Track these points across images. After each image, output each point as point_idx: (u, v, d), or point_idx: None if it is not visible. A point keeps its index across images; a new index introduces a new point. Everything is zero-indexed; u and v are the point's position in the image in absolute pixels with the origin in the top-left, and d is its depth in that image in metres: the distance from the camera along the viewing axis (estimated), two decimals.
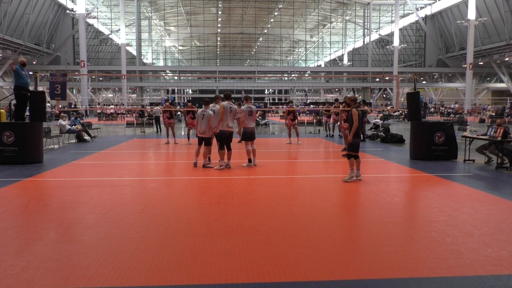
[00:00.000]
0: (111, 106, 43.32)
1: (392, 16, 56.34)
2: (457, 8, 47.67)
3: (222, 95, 9.02)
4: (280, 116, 36.79)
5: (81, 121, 16.70)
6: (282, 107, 32.58)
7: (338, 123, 13.78)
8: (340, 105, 13.43)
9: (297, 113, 14.65)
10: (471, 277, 3.37)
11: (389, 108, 38.19)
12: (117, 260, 3.68)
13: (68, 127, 14.53)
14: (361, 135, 15.24)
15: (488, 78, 57.13)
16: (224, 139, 8.68)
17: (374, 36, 58.90)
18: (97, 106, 44.98)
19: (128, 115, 36.49)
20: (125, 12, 51.59)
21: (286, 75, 61.77)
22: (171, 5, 59.25)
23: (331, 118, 18.87)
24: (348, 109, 11.20)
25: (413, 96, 10.65)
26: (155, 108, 21.92)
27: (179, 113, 33.52)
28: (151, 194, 6.45)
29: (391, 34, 54.17)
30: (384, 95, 63.25)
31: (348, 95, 55.78)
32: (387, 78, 48.52)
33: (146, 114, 25.87)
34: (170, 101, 16.99)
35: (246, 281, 3.30)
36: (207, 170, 8.62)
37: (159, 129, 19.35)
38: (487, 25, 42.92)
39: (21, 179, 7.53)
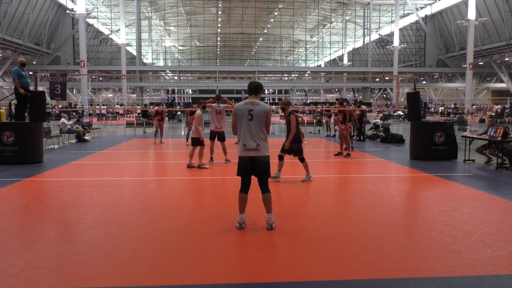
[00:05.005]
0: (120, 106, 43.18)
1: (392, 16, 56.35)
2: (457, 8, 47.66)
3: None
4: (280, 116, 36.87)
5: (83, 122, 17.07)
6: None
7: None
8: (349, 106, 13.51)
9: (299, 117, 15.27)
10: (471, 277, 3.37)
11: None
12: (117, 260, 3.68)
13: (69, 126, 14.67)
14: (361, 135, 15.35)
15: (488, 78, 57.11)
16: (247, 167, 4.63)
17: (374, 36, 58.91)
18: (116, 106, 44.51)
19: (128, 115, 36.53)
20: (125, 12, 51.59)
21: (286, 75, 61.77)
22: (171, 5, 59.25)
23: (332, 118, 18.89)
24: (343, 108, 11.24)
25: (413, 96, 10.66)
26: (156, 108, 21.94)
27: (179, 113, 33.56)
28: (151, 194, 6.45)
29: (391, 34, 54.18)
30: (384, 95, 63.25)
31: (351, 95, 55.68)
32: (387, 78, 48.51)
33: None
34: (170, 101, 17.07)
35: (246, 281, 3.30)
36: (207, 170, 8.63)
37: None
38: (487, 25, 42.91)
39: (21, 179, 7.53)
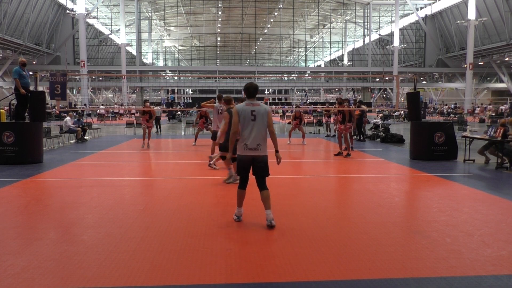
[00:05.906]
0: (120, 106, 43.51)
1: (392, 16, 56.36)
2: (457, 8, 47.67)
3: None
4: (280, 116, 36.92)
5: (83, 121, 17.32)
6: (284, 106, 32.70)
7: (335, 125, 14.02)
8: (351, 106, 13.53)
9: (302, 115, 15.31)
10: (471, 277, 3.37)
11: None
12: (117, 260, 3.68)
13: (71, 126, 14.79)
14: (361, 135, 15.35)
15: (488, 78, 57.12)
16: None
17: (374, 36, 58.91)
18: (117, 106, 44.77)
19: (128, 116, 36.59)
20: (125, 12, 51.61)
21: (286, 75, 61.77)
22: (171, 5, 59.26)
23: (331, 118, 18.89)
24: (342, 109, 11.24)
25: (413, 96, 10.66)
26: (155, 108, 22.01)
27: (179, 113, 33.59)
28: (151, 194, 6.45)
29: (391, 34, 54.19)
30: (384, 95, 63.24)
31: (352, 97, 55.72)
32: (387, 78, 48.50)
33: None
34: (170, 101, 16.92)
35: (246, 281, 3.29)
36: (207, 170, 8.62)
37: (159, 129, 19.52)
38: (487, 25, 42.92)
39: (21, 179, 7.53)
